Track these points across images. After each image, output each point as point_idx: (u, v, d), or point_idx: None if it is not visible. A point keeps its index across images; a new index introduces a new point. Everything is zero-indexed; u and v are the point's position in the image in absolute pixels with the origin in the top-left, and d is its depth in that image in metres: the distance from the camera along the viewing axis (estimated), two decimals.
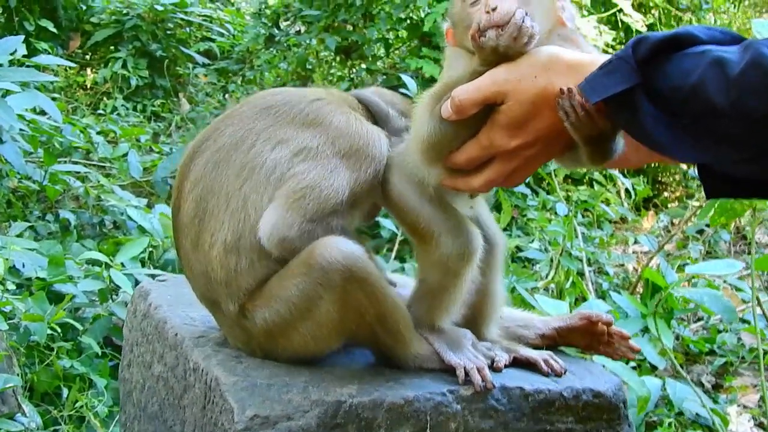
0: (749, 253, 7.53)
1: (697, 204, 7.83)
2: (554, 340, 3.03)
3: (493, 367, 2.65)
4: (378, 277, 2.52)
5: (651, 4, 9.22)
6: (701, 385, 5.72)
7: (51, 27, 10.09)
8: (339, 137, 2.63)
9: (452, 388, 2.56)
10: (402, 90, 6.43)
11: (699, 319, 6.55)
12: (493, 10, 2.23)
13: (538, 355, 2.77)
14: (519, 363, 2.75)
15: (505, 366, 2.70)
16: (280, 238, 2.53)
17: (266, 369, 2.56)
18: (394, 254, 6.41)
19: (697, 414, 5.00)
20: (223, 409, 2.42)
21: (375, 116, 2.82)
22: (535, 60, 2.22)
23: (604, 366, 3.17)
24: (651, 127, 1.97)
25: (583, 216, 7.67)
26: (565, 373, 2.75)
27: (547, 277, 6.20)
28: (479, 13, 2.29)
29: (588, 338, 3.04)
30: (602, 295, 6.42)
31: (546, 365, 2.74)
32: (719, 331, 6.27)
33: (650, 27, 9.21)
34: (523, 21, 2.20)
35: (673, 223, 8.24)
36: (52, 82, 8.72)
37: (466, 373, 2.56)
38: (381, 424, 2.45)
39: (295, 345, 2.59)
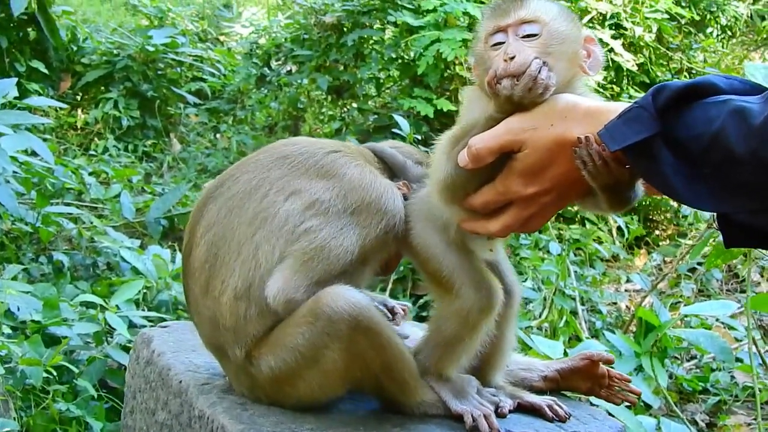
0: (741, 291, 7.57)
1: (689, 242, 7.86)
2: (557, 383, 3.04)
3: (498, 413, 2.66)
4: (384, 327, 2.53)
5: (642, 44, 9.28)
6: (695, 423, 5.71)
7: (42, 68, 10.08)
8: (351, 190, 2.65)
9: None
10: (394, 130, 6.46)
11: (692, 358, 6.55)
12: (511, 59, 2.27)
13: (542, 401, 2.78)
14: (524, 409, 2.76)
15: (510, 412, 2.71)
16: (287, 300, 2.55)
17: (272, 416, 2.56)
18: (387, 293, 6.40)
19: None
20: None
21: (392, 168, 2.84)
22: (551, 108, 2.25)
23: (608, 412, 3.17)
24: (670, 176, 1.98)
25: (575, 255, 7.68)
26: (569, 418, 2.76)
27: (540, 316, 6.20)
28: (497, 60, 2.32)
29: (589, 381, 3.05)
30: (595, 334, 6.42)
31: (550, 411, 2.75)
32: (713, 370, 6.27)
33: (641, 66, 9.27)
34: (539, 72, 2.22)
35: (665, 262, 8.25)
36: (43, 124, 8.71)
37: (473, 420, 2.57)
38: None
39: (301, 393, 2.59)
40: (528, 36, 2.35)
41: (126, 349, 4.85)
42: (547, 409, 2.75)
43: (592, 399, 3.26)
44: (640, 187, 2.29)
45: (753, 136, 1.85)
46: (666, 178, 1.99)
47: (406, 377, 2.61)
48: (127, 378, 3.22)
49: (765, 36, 12.49)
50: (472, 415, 2.59)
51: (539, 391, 2.96)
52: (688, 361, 6.54)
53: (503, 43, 2.37)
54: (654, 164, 2.00)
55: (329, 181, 2.66)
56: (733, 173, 1.90)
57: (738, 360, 5.99)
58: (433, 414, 2.65)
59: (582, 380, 3.05)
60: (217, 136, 11.20)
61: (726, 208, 2.04)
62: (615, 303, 7.38)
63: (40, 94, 9.38)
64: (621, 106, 2.15)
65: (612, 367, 3.12)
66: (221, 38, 13.79)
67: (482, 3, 8.76)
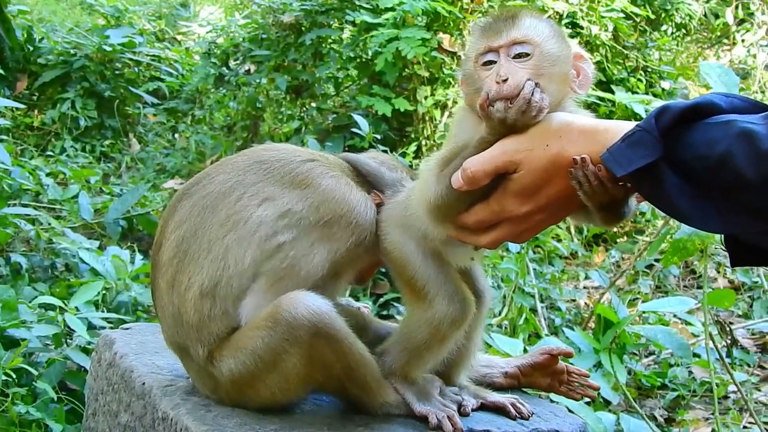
0: (698, 288, 7.65)
1: (646, 239, 7.94)
2: (517, 379, 3.08)
3: (461, 412, 2.68)
4: (345, 333, 2.54)
5: (598, 43, 9.36)
6: (654, 419, 5.76)
7: None
8: (324, 202, 2.66)
9: None
10: (353, 129, 6.47)
11: (650, 354, 6.61)
12: (504, 81, 2.26)
13: (505, 399, 2.81)
14: (487, 408, 2.78)
15: (473, 410, 2.73)
16: None
17: (236, 417, 2.56)
18: (347, 293, 6.39)
19: None
20: None
21: (366, 176, 2.84)
22: (546, 128, 2.25)
23: (568, 409, 3.21)
24: (675, 197, 1.99)
25: (534, 252, 7.72)
26: (531, 416, 2.78)
27: (500, 314, 6.22)
28: (490, 81, 2.31)
29: (549, 377, 3.09)
30: (555, 331, 6.47)
31: (514, 409, 2.78)
32: (670, 366, 6.33)
33: (597, 64, 9.32)
34: (532, 94, 2.22)
35: (623, 258, 8.32)
36: None
37: (438, 421, 2.59)
38: None
39: (262, 395, 2.60)
40: (520, 56, 2.34)
41: (86, 350, 4.82)
42: (510, 407, 2.78)
43: (553, 396, 3.30)
44: (633, 201, 2.30)
45: (763, 160, 1.86)
46: (670, 199, 2.00)
47: (368, 380, 2.62)
48: (89, 380, 3.21)
49: (719, 34, 12.63)
50: (436, 416, 2.61)
51: (500, 388, 3.00)
52: (646, 357, 6.61)
53: (494, 62, 2.36)
54: (658, 186, 2.01)
55: (303, 191, 2.67)
56: (742, 196, 1.92)
57: (695, 356, 6.07)
58: (397, 414, 2.67)
59: (542, 376, 3.09)
60: (176, 136, 11.16)
61: (734, 229, 2.05)
62: (574, 300, 7.43)
63: None
64: (615, 124, 2.17)
65: (571, 364, 3.16)
66: (178, 37, 13.73)
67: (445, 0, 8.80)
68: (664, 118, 2.01)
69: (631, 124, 2.09)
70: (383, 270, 3.08)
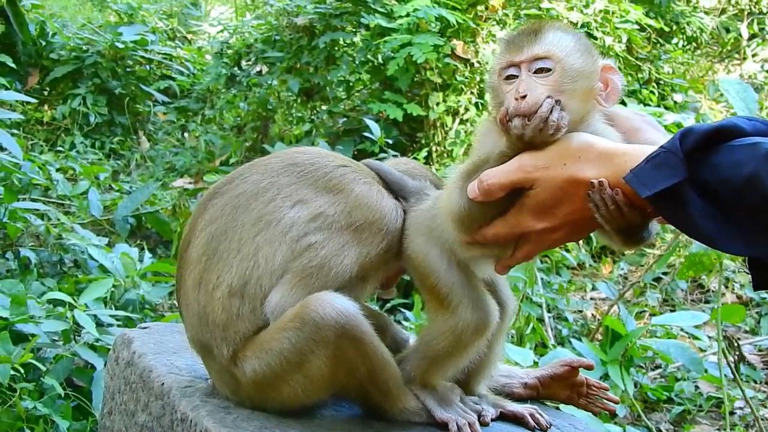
0: (706, 302, 7.65)
1: (655, 252, 7.93)
2: (536, 390, 3.07)
3: (481, 422, 2.67)
4: (371, 335, 2.53)
5: (611, 53, 9.36)
6: None
7: (9, 62, 9.98)
8: (357, 207, 2.67)
9: None
10: (365, 133, 6.47)
11: (657, 367, 6.61)
12: (522, 97, 2.25)
13: (524, 410, 2.80)
14: (506, 417, 2.78)
15: (492, 420, 2.72)
16: (283, 313, 2.56)
17: (256, 420, 2.55)
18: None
19: None
20: None
21: (390, 184, 2.83)
22: (565, 147, 2.24)
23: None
24: (699, 219, 1.98)
25: (542, 262, 7.71)
26: (550, 427, 2.77)
27: None
28: (509, 97, 2.30)
29: (568, 389, 3.08)
30: (561, 341, 6.46)
31: (532, 419, 2.77)
32: (677, 380, 6.33)
33: None
34: (550, 113, 2.21)
35: (631, 271, 8.31)
36: (11, 118, 8.63)
37: (458, 428, 2.58)
38: None
39: (284, 397, 2.59)
40: (541, 71, 2.32)
41: (93, 348, 4.82)
42: (529, 418, 2.77)
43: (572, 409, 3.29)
44: (655, 225, 2.30)
45: None
46: (694, 220, 1.99)
47: (390, 385, 2.62)
48: (105, 379, 3.20)
49: (729, 48, 12.63)
50: (456, 423, 2.60)
51: (519, 399, 2.99)
52: (652, 370, 6.60)
53: (516, 77, 2.35)
54: (681, 207, 2.00)
55: (336, 196, 2.67)
56: None
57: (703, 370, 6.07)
58: (416, 422, 2.66)
59: (561, 388, 3.08)
60: (186, 135, 11.17)
61: (759, 252, 2.04)
62: (581, 311, 7.43)
63: (7, 89, 9.28)
64: (634, 148, 2.16)
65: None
66: (189, 36, 13.73)
67: (455, 8, 8.81)
68: (688, 140, 1.99)
69: (651, 148, 2.07)
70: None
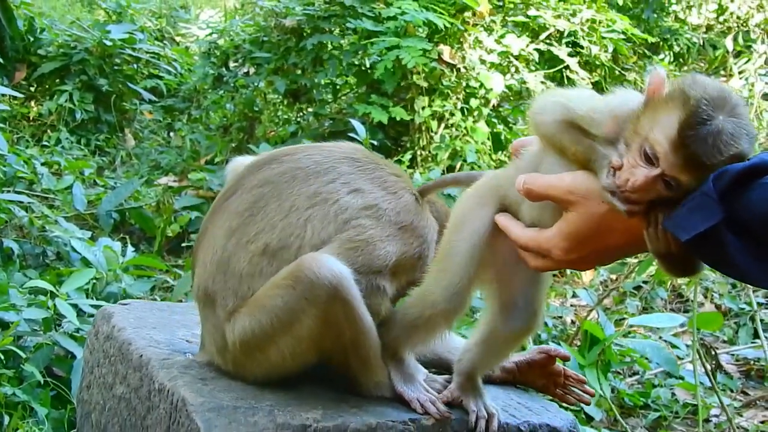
0: (685, 311, 7.68)
1: (635, 260, 7.97)
2: (513, 374, 3.10)
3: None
4: (359, 301, 2.58)
5: (597, 63, 9.42)
6: None
7: None
8: (405, 211, 2.79)
9: (413, 417, 2.62)
10: (350, 134, 6.49)
11: (634, 374, 6.63)
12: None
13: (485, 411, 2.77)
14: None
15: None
16: None
17: (233, 391, 2.58)
18: None
19: None
20: (189, 429, 2.44)
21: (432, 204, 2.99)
22: None
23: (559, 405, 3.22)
24: (737, 258, 1.98)
25: None
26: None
27: None
28: (626, 171, 2.15)
29: (545, 378, 3.11)
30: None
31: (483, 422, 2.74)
32: (654, 386, 6.35)
33: (595, 84, 9.39)
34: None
35: (611, 278, 8.34)
36: None
37: (421, 405, 2.65)
38: None
39: (271, 358, 2.64)
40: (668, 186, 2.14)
41: (74, 337, 4.83)
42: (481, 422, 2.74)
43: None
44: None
45: None
46: (733, 261, 1.99)
47: (370, 355, 2.66)
48: (85, 353, 3.22)
49: (716, 65, 12.70)
50: (418, 400, 2.67)
51: (496, 382, 3.02)
52: (630, 376, 6.63)
53: (650, 168, 2.11)
54: (719, 248, 2.00)
55: (389, 195, 2.79)
56: None
57: (679, 378, 6.10)
58: (388, 397, 2.71)
59: (538, 376, 3.11)
60: (171, 134, 11.17)
61: None
62: (560, 317, 7.44)
63: None
64: None
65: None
66: (177, 39, 13.74)
67: (442, 13, 8.85)
68: (722, 182, 1.99)
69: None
70: None
